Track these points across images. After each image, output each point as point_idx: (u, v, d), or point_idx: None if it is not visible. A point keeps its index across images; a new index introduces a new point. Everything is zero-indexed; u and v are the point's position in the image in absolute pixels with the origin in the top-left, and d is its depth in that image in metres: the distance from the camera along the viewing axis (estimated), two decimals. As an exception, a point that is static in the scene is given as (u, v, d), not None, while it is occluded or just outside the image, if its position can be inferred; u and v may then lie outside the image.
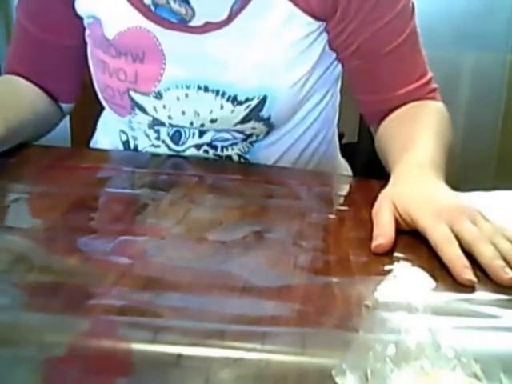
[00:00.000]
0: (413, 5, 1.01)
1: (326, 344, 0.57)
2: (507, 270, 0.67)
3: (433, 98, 1.04)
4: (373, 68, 1.01)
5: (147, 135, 1.06)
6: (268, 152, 1.08)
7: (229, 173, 0.98)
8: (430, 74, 1.05)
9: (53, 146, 1.01)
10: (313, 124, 1.11)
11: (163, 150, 1.06)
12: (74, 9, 1.03)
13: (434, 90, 1.05)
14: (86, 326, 0.58)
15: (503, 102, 1.69)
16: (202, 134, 1.04)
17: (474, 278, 0.66)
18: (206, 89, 0.98)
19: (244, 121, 1.00)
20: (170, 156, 1.04)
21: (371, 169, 0.94)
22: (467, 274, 0.66)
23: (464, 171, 1.48)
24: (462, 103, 1.65)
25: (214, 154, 1.06)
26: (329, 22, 0.97)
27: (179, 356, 0.55)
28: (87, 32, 1.04)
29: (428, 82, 1.04)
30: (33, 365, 0.55)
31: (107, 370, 0.55)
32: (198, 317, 0.60)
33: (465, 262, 0.68)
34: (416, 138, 0.91)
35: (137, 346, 0.56)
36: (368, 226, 0.77)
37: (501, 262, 0.68)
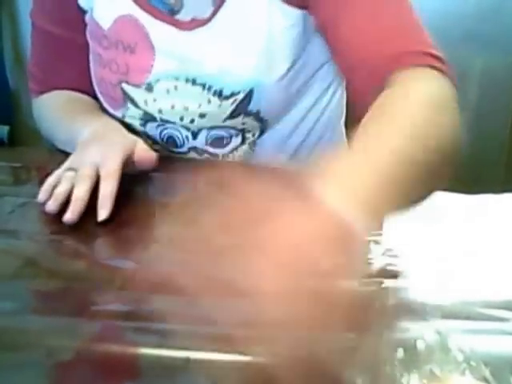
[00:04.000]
0: None
1: (334, 348, 0.57)
2: None
3: (434, 68, 0.80)
4: (349, 20, 0.87)
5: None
6: (272, 157, 1.07)
7: (238, 175, 0.97)
8: (429, 39, 0.85)
9: (59, 151, 1.01)
10: (316, 125, 1.10)
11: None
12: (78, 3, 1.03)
13: (437, 57, 0.82)
14: (93, 331, 0.58)
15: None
16: (194, 135, 1.03)
17: None
18: (194, 81, 0.97)
19: (232, 116, 0.99)
20: (176, 158, 1.04)
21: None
22: None
23: (473, 174, 1.47)
24: (471, 105, 1.64)
25: None
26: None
27: (187, 360, 0.55)
28: (88, 26, 1.04)
29: (426, 45, 0.83)
30: (40, 369, 0.55)
31: (115, 374, 0.55)
32: (205, 321, 0.60)
33: None
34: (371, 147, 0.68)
35: (144, 351, 0.56)
36: (376, 229, 0.77)
37: None
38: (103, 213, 0.78)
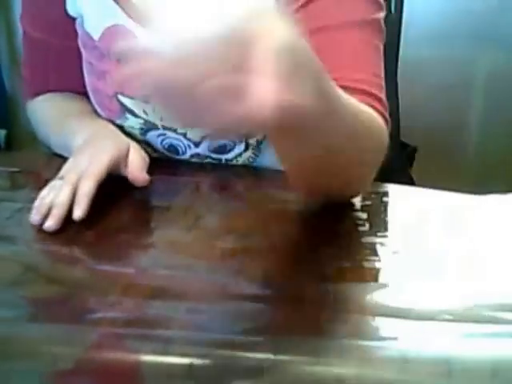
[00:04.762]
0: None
1: (341, 353, 0.56)
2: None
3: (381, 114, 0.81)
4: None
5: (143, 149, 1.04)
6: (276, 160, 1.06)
7: (240, 178, 0.96)
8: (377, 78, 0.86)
9: (57, 156, 1.00)
10: None
11: None
12: (66, 10, 1.01)
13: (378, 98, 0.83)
14: (93, 339, 0.57)
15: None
16: (196, 144, 1.02)
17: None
18: None
19: None
20: (175, 160, 1.03)
21: (385, 173, 0.93)
22: None
23: (480, 174, 1.47)
24: (477, 105, 1.63)
25: None
26: None
27: (190, 367, 0.54)
28: (79, 34, 1.02)
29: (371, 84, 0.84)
30: (40, 378, 0.54)
31: (116, 382, 0.54)
32: (208, 327, 0.59)
33: None
34: None
35: (146, 358, 0.55)
36: (383, 231, 0.76)
37: None
38: (78, 212, 0.77)
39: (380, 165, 0.79)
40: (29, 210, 0.80)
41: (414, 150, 1.34)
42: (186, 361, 0.55)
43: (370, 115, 0.77)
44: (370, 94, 0.82)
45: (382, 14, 0.88)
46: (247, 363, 0.55)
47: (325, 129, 0.64)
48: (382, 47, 0.87)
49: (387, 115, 0.83)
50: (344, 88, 0.80)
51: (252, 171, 1.02)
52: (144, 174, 0.87)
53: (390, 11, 1.20)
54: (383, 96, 0.84)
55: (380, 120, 0.79)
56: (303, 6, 0.86)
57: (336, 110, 0.64)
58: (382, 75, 0.86)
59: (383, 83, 0.85)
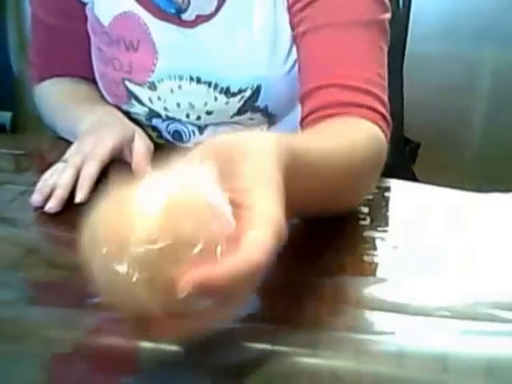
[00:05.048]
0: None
1: (338, 345, 0.56)
2: None
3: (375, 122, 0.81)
4: (308, 42, 0.88)
5: (148, 135, 1.04)
6: None
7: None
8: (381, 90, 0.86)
9: (62, 140, 1.00)
10: None
11: None
12: None
13: (378, 109, 0.83)
14: (92, 323, 0.57)
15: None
16: (201, 130, 1.02)
17: None
18: (199, 80, 0.96)
19: (240, 112, 0.98)
20: (181, 149, 1.03)
21: (388, 168, 0.93)
22: None
23: (484, 172, 1.46)
24: (481, 103, 1.62)
25: None
26: None
27: (187, 354, 0.54)
28: (88, 19, 1.02)
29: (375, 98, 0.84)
30: (38, 361, 0.54)
31: (114, 367, 0.54)
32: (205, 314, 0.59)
33: None
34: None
35: (144, 344, 0.55)
36: (383, 226, 0.76)
37: None
38: (80, 195, 0.79)
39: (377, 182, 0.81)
40: (32, 193, 0.80)
41: (417, 145, 1.34)
42: (183, 348, 0.54)
43: (365, 148, 0.76)
44: (373, 95, 0.83)
45: (387, 16, 0.88)
46: (245, 352, 0.55)
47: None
48: (386, 49, 0.88)
49: (388, 116, 0.83)
50: (348, 87, 0.81)
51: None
52: (147, 163, 0.88)
53: (398, 6, 1.20)
54: (385, 97, 0.84)
55: (377, 132, 0.80)
56: (311, 2, 0.86)
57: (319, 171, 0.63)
58: (386, 76, 0.86)
59: (386, 84, 0.86)
